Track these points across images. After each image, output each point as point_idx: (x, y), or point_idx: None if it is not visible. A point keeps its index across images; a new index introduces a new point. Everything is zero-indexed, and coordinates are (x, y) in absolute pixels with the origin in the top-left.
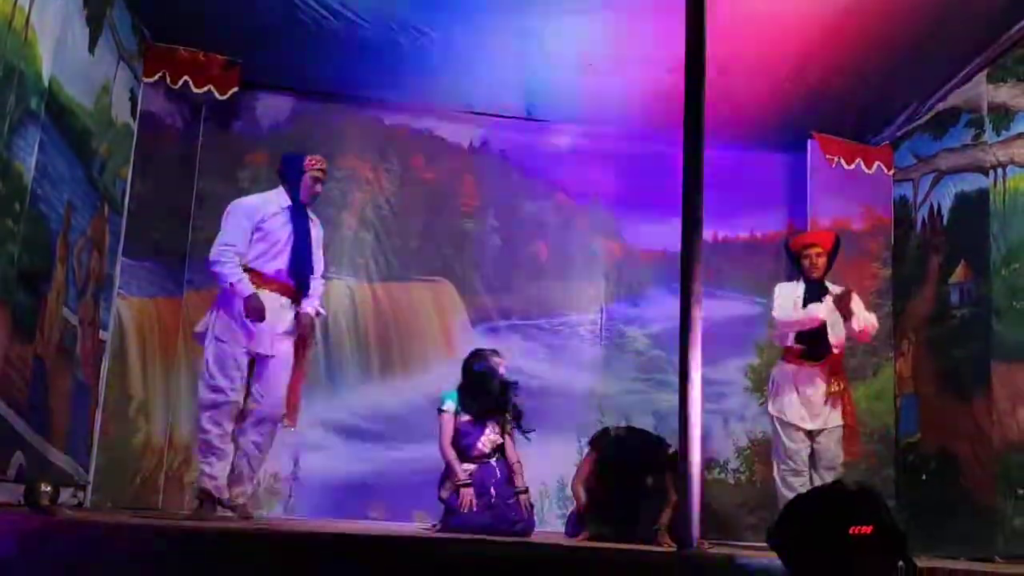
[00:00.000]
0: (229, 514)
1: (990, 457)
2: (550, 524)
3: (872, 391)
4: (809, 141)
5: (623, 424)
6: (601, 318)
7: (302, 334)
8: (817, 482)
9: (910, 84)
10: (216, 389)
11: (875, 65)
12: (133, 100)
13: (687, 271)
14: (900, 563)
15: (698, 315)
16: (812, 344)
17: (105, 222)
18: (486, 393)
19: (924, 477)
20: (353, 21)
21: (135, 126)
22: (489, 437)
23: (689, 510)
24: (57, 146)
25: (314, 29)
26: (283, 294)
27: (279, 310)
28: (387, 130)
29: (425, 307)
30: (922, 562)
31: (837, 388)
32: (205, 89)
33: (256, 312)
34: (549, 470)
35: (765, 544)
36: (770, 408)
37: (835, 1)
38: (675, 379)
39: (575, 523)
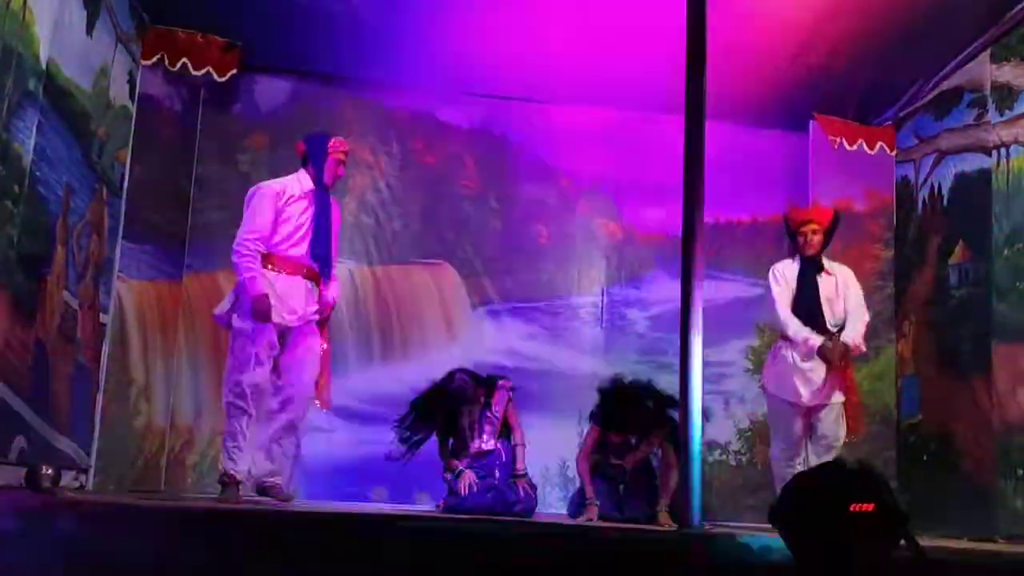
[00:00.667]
0: (257, 497)
1: (991, 438)
2: (552, 506)
3: (873, 372)
4: (811, 122)
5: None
6: (602, 300)
7: (325, 318)
8: (814, 461)
9: (912, 64)
10: (242, 372)
11: (877, 45)
12: (131, 83)
13: (688, 253)
14: (901, 541)
15: (699, 297)
16: (809, 322)
17: (104, 205)
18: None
19: (925, 458)
20: (352, 3)
21: (133, 109)
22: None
23: (690, 491)
24: (56, 128)
25: (313, 11)
26: (307, 278)
27: (304, 294)
28: (387, 113)
29: (426, 290)
30: (923, 542)
31: (838, 363)
32: (204, 71)
33: (262, 315)
34: (551, 452)
35: (766, 526)
36: (767, 384)
37: None
38: (676, 361)
39: (577, 504)
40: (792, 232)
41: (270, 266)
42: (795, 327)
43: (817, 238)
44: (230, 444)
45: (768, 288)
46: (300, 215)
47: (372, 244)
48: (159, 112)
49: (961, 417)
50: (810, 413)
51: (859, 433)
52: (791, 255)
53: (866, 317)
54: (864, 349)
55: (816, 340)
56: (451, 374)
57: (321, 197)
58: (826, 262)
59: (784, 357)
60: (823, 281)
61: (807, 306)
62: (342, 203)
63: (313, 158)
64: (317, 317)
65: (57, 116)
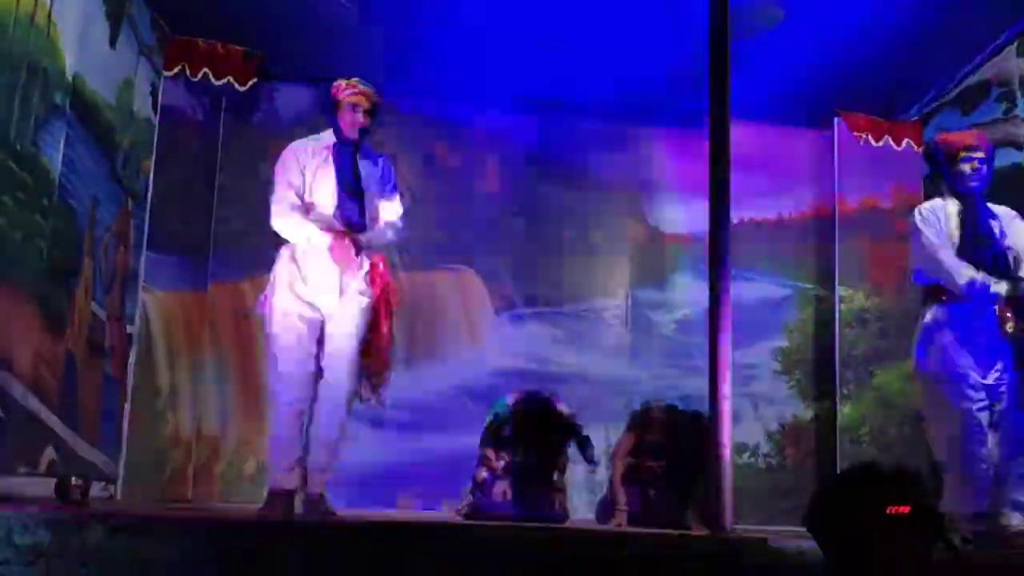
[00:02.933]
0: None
1: None
2: (580, 511)
3: (904, 372)
4: (835, 119)
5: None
6: (627, 303)
7: (376, 284)
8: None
9: (938, 59)
10: (283, 375)
11: (902, 40)
12: (154, 94)
13: (715, 254)
14: (939, 542)
15: (727, 298)
16: (985, 269)
17: (129, 216)
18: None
19: None
20: (372, 10)
21: (156, 119)
22: None
23: (721, 495)
24: (82, 141)
25: (333, 19)
26: (340, 244)
27: (336, 266)
28: (408, 118)
29: (449, 296)
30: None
31: (1015, 327)
32: (225, 81)
33: (342, 258)
34: (576, 457)
35: (797, 529)
36: (925, 365)
37: None
38: (703, 364)
39: (606, 508)
40: (949, 161)
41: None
42: (967, 271)
43: (985, 168)
44: (274, 456)
45: (795, 288)
46: (321, 175)
47: (395, 250)
48: (181, 122)
49: None
50: (989, 394)
51: None
52: (819, 255)
53: None
54: None
55: (1000, 285)
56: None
57: (341, 152)
58: (993, 207)
59: (943, 328)
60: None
61: (986, 253)
62: None
63: (327, 110)
64: (363, 298)
65: (83, 129)
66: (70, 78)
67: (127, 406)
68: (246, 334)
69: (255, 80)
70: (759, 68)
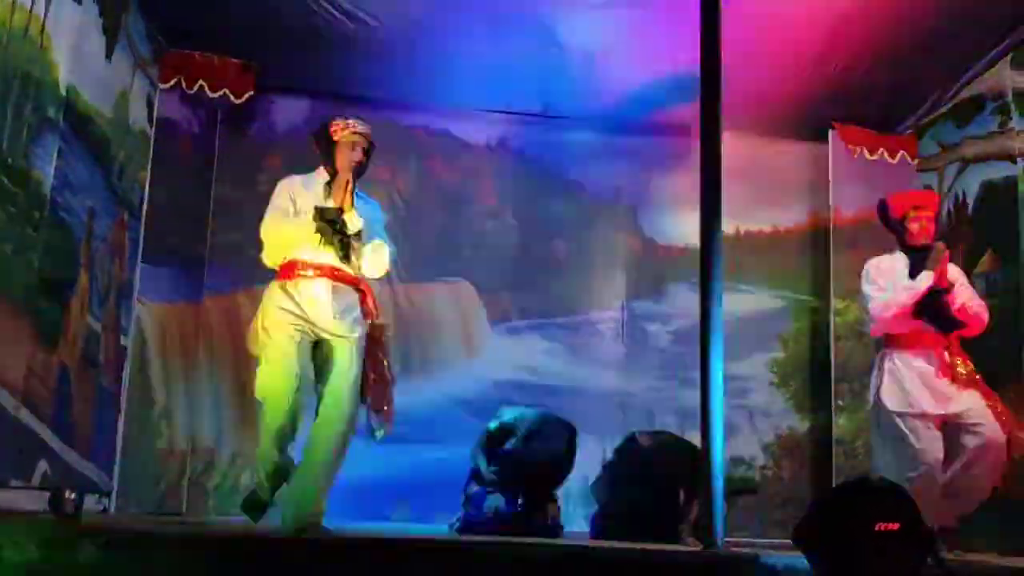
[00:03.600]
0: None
1: (1022, 449)
2: (575, 524)
3: None
4: (830, 131)
5: (647, 429)
6: (622, 315)
7: (374, 333)
8: (972, 483)
9: (933, 71)
10: (275, 379)
11: (895, 53)
12: (150, 106)
13: (707, 266)
14: (928, 560)
15: (719, 310)
16: (935, 321)
17: (125, 228)
18: None
19: None
20: (367, 23)
21: (152, 132)
22: None
23: (714, 508)
24: (76, 153)
25: (329, 31)
26: (325, 276)
27: (327, 296)
28: (404, 131)
29: (445, 308)
30: (953, 558)
31: (964, 370)
32: (220, 93)
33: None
34: (573, 470)
35: (791, 541)
36: (885, 402)
37: None
38: (698, 376)
39: (600, 523)
40: (897, 220)
41: (298, 273)
42: (902, 289)
43: (933, 226)
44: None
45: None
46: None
47: (390, 262)
48: (177, 135)
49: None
50: (944, 427)
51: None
52: (817, 266)
53: (984, 314)
54: (984, 317)
55: (924, 277)
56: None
57: (331, 188)
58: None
59: (900, 367)
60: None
61: (929, 300)
62: None
63: (321, 150)
64: (358, 331)
65: (78, 141)
66: (64, 91)
67: (121, 418)
68: (241, 346)
69: (251, 92)
70: (753, 79)
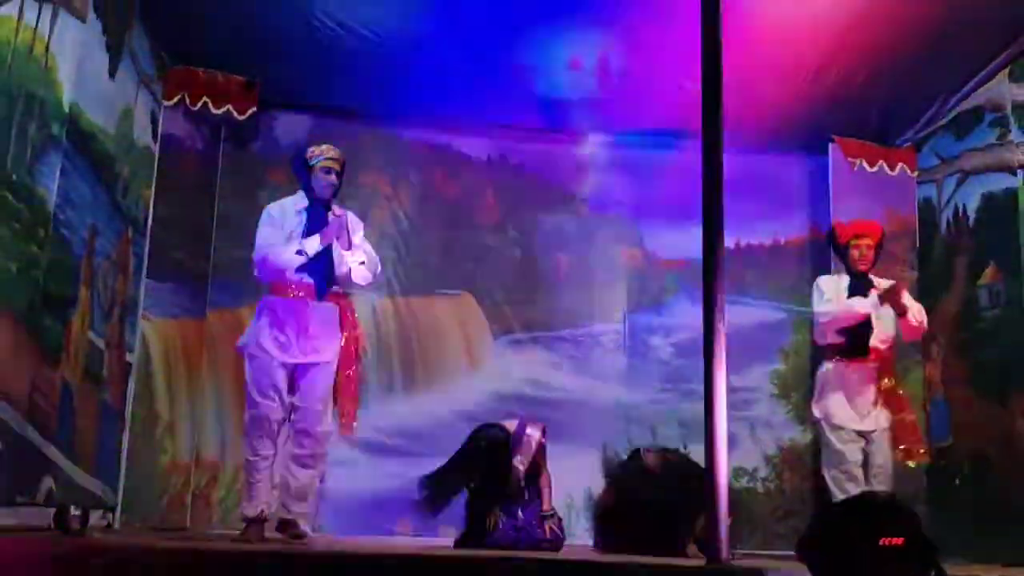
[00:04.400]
0: (277, 536)
1: (1023, 460)
2: (578, 537)
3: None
4: (830, 144)
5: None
6: (624, 328)
7: (347, 330)
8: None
9: (931, 84)
10: (254, 406)
11: (894, 66)
12: (154, 123)
13: (709, 278)
14: (932, 574)
15: (722, 322)
16: (857, 340)
17: (129, 244)
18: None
19: (957, 482)
20: (369, 38)
21: (156, 149)
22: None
23: (717, 521)
24: (80, 171)
25: (331, 47)
26: (309, 296)
27: (309, 313)
28: (405, 146)
29: (447, 321)
30: (957, 569)
31: (888, 384)
32: (224, 110)
33: (333, 231)
34: (575, 482)
35: (795, 554)
36: (815, 411)
37: (853, 3)
38: (700, 388)
39: (603, 537)
40: (842, 246)
41: (274, 293)
42: (843, 306)
43: (872, 253)
44: (246, 481)
45: (791, 312)
46: (296, 233)
47: (393, 276)
48: (181, 151)
49: (993, 440)
50: (864, 439)
51: (922, 458)
52: (814, 275)
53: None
54: (924, 323)
55: (866, 304)
56: (480, 434)
57: (315, 212)
58: (874, 278)
59: (830, 381)
60: (871, 298)
61: (852, 323)
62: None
63: (299, 176)
64: (338, 336)
65: (81, 159)
66: (67, 108)
67: (126, 434)
68: (244, 362)
69: (254, 109)
70: (754, 93)
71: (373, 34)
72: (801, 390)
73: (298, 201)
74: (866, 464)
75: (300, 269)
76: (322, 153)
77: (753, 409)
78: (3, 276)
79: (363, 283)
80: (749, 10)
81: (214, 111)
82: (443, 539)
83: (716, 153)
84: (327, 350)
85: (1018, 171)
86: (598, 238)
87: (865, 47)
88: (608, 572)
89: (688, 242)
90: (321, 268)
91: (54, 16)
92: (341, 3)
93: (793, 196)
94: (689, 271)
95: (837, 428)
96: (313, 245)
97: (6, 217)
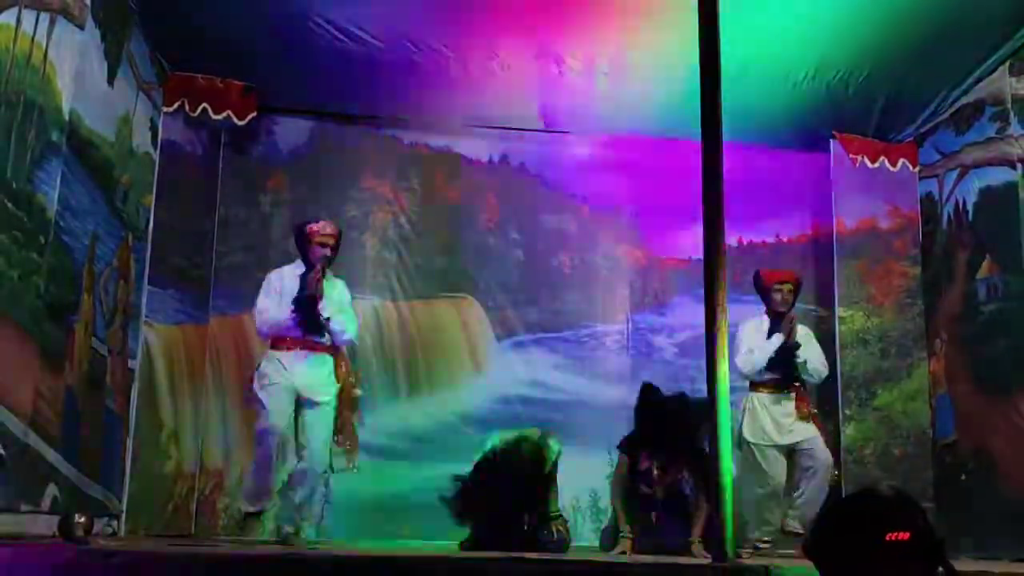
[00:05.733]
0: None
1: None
2: (584, 538)
3: (906, 392)
4: (831, 141)
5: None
6: (627, 328)
7: (341, 379)
8: (809, 495)
9: (931, 79)
10: (264, 421)
11: (894, 61)
12: (153, 129)
13: (711, 277)
14: (939, 569)
15: (724, 321)
16: (783, 372)
17: (130, 251)
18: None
19: (963, 477)
20: (368, 43)
21: (156, 155)
22: None
23: (723, 520)
24: (80, 178)
25: (330, 52)
26: (304, 348)
27: (307, 366)
28: (406, 149)
29: (450, 324)
30: (962, 565)
31: (806, 412)
32: (224, 115)
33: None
34: (580, 483)
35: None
36: (746, 435)
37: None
38: (704, 387)
39: (610, 535)
40: (765, 290)
41: (283, 346)
42: (760, 349)
43: (792, 296)
44: (250, 486)
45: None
46: (291, 297)
47: (395, 279)
48: (181, 157)
49: (998, 434)
50: (789, 454)
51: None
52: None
53: (824, 369)
54: (824, 371)
55: (776, 339)
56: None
57: (305, 278)
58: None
59: (756, 406)
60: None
61: (780, 356)
62: (364, 240)
63: (299, 245)
64: (332, 391)
65: (81, 166)
66: (66, 116)
67: (129, 441)
68: (247, 367)
69: (254, 114)
70: (754, 91)
71: (373, 38)
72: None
73: (296, 269)
74: (795, 474)
75: (296, 324)
76: (321, 229)
77: None
78: (5, 283)
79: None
80: (748, 5)
81: (214, 117)
82: (448, 542)
83: (716, 151)
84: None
85: (1018, 164)
86: (600, 239)
87: (865, 42)
88: (612, 572)
89: (690, 241)
90: (310, 322)
91: (52, 24)
92: (340, 7)
93: (794, 193)
94: (692, 269)
95: (764, 447)
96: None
97: (6, 225)
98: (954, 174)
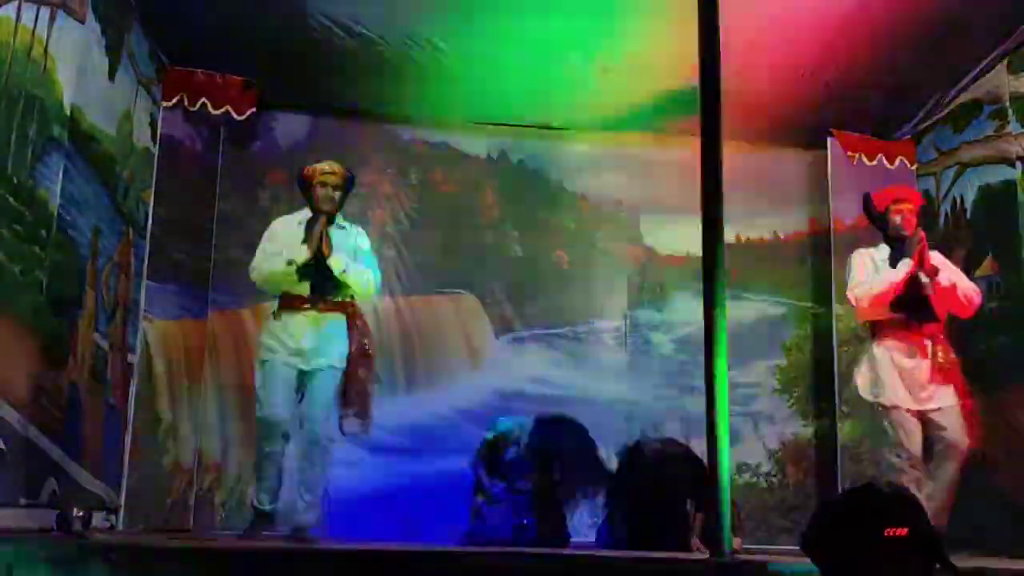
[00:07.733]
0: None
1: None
2: (582, 534)
3: None
4: (828, 139)
5: (652, 436)
6: (626, 324)
7: (355, 338)
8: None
9: (929, 77)
10: (263, 406)
11: (892, 59)
12: (153, 124)
13: (709, 274)
14: (937, 565)
15: (723, 318)
16: (911, 311)
17: (130, 246)
18: None
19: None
20: (368, 38)
21: (156, 150)
22: None
23: (721, 516)
24: (81, 173)
25: (329, 47)
26: (313, 307)
27: (311, 324)
28: (405, 145)
29: (449, 320)
30: (960, 563)
31: (943, 359)
32: (223, 111)
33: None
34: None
35: (799, 547)
36: (864, 394)
37: None
38: (703, 383)
39: (606, 533)
40: (879, 214)
41: (288, 307)
42: (876, 279)
43: (914, 219)
44: (257, 479)
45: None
46: (295, 248)
47: (394, 275)
48: (181, 152)
49: (996, 432)
50: (923, 419)
51: (976, 444)
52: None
53: (976, 297)
54: (975, 300)
55: (903, 265)
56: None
57: (314, 223)
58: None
59: (880, 358)
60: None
61: (911, 289)
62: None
63: (303, 191)
64: (346, 344)
65: (82, 161)
66: (68, 111)
67: (128, 435)
68: (247, 362)
69: (253, 109)
70: (753, 88)
71: (372, 34)
72: (803, 385)
73: (301, 216)
74: (929, 450)
75: (301, 279)
76: (319, 170)
77: (755, 404)
78: (7, 278)
79: (361, 291)
80: (747, 3)
81: (213, 112)
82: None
83: (715, 148)
84: (334, 356)
85: (1016, 162)
86: (598, 235)
87: (863, 40)
88: (611, 568)
89: (689, 237)
90: (318, 277)
91: (52, 18)
92: (339, 3)
93: (792, 191)
94: (690, 266)
95: (892, 409)
96: (300, 254)
97: (8, 220)
98: (952, 172)
